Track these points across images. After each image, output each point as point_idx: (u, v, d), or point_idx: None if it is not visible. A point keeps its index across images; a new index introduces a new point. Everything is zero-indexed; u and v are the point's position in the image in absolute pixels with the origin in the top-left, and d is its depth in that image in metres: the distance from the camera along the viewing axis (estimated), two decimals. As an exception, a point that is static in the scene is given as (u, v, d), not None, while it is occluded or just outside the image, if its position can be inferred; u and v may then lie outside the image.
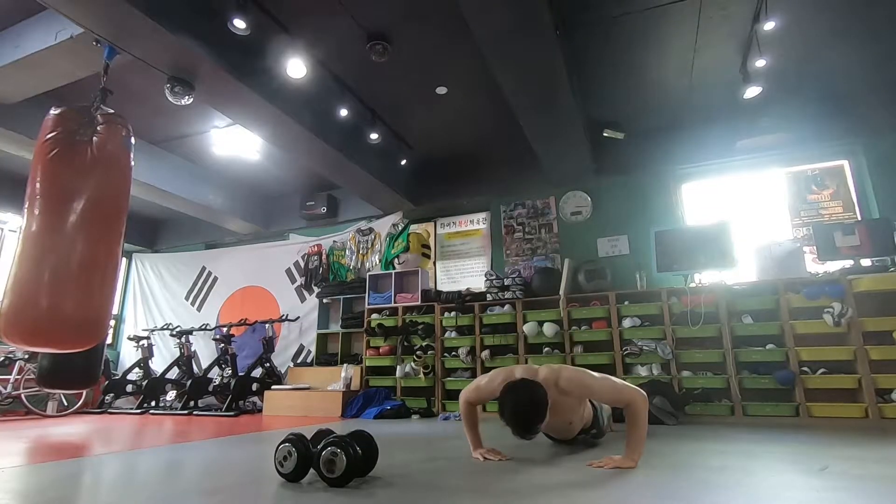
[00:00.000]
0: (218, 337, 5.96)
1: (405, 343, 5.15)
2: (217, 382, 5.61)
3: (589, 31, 3.62)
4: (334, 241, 6.33)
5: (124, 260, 7.58)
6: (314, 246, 6.35)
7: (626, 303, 4.43)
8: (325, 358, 5.83)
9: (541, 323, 4.58)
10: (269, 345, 5.83)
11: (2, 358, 5.14)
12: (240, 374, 5.60)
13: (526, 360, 4.50)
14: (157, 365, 6.42)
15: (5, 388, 5.13)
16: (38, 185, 2.35)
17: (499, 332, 4.75)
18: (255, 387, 5.47)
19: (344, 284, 5.99)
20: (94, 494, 1.84)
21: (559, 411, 2.19)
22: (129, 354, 6.92)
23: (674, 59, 3.98)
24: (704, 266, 4.23)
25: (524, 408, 1.99)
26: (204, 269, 7.17)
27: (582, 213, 5.28)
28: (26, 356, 5.15)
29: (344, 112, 4.27)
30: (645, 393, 2.10)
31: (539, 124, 4.18)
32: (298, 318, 6.18)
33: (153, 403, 5.76)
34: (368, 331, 5.33)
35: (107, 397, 5.79)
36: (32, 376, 5.19)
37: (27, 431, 3.92)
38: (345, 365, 5.25)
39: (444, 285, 5.83)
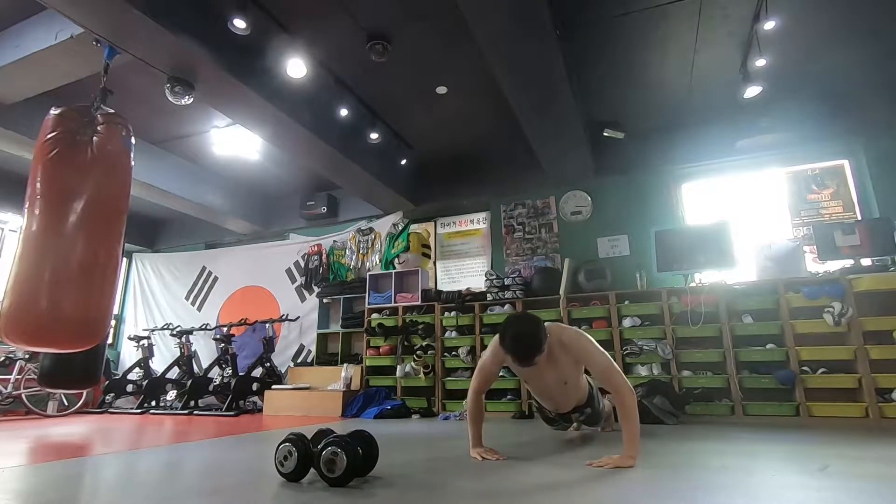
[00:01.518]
0: (218, 337, 5.96)
1: (405, 343, 5.15)
2: (217, 382, 5.62)
3: (589, 31, 3.62)
4: (334, 241, 6.33)
5: (124, 260, 7.58)
6: (314, 246, 6.35)
7: (626, 302, 4.43)
8: (325, 358, 5.83)
9: (541, 323, 4.58)
10: (269, 344, 5.83)
11: (2, 358, 5.14)
12: (240, 373, 5.60)
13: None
14: (158, 365, 6.42)
15: (6, 388, 5.13)
16: (38, 185, 2.35)
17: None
18: (255, 387, 5.47)
19: (344, 284, 5.99)
20: (94, 494, 1.84)
21: (556, 364, 2.33)
22: (129, 354, 6.92)
23: (674, 59, 3.98)
24: (704, 266, 4.22)
25: (525, 331, 2.13)
26: (204, 268, 7.17)
27: (582, 212, 5.28)
28: (27, 356, 5.15)
29: (344, 112, 4.27)
30: (633, 389, 2.15)
31: (539, 124, 4.18)
32: (298, 317, 6.18)
33: (153, 403, 5.76)
34: (368, 330, 5.33)
35: (107, 397, 5.79)
36: (33, 376, 5.19)
37: (27, 431, 3.92)
38: (345, 365, 5.25)
39: (445, 285, 5.83)
